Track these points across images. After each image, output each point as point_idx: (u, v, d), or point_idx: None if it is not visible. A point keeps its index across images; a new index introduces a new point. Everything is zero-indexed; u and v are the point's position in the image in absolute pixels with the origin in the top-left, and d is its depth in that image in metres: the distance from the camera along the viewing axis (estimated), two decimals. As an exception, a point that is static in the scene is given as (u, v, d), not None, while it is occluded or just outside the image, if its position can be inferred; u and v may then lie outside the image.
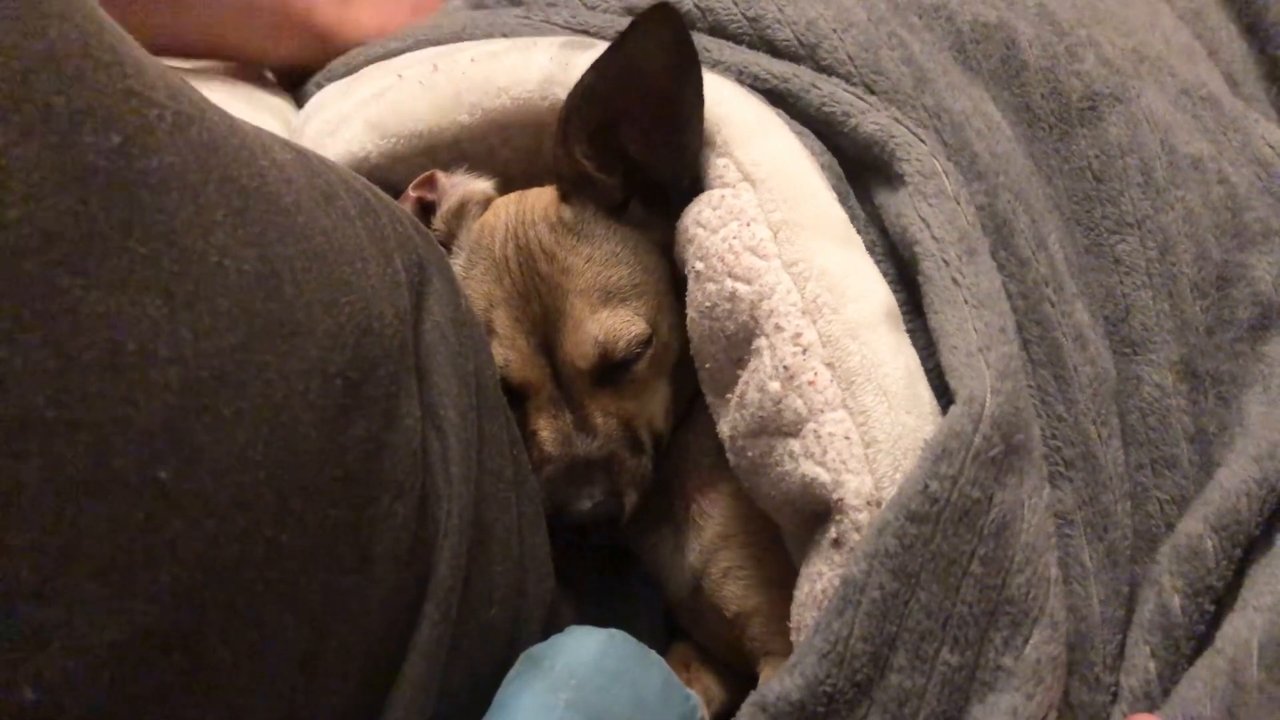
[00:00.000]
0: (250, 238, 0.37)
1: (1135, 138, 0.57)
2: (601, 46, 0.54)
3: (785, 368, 0.48)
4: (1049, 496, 0.46)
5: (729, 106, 0.55)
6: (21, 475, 0.30)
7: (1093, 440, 0.50)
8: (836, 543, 0.46)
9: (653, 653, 0.52)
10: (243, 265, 0.37)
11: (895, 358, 0.48)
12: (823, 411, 0.47)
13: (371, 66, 0.68)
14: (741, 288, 0.50)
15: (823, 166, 0.55)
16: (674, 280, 0.59)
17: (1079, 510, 0.49)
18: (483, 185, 0.62)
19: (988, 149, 0.55)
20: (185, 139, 0.36)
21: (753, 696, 0.44)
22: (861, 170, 0.56)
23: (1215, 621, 0.46)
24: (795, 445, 0.48)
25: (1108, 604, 0.47)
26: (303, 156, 0.46)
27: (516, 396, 0.57)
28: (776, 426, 0.49)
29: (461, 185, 0.62)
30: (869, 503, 0.45)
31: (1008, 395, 0.44)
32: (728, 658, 0.61)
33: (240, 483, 0.36)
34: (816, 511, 0.48)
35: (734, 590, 0.58)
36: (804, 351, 0.48)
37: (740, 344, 0.51)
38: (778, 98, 0.59)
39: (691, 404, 0.61)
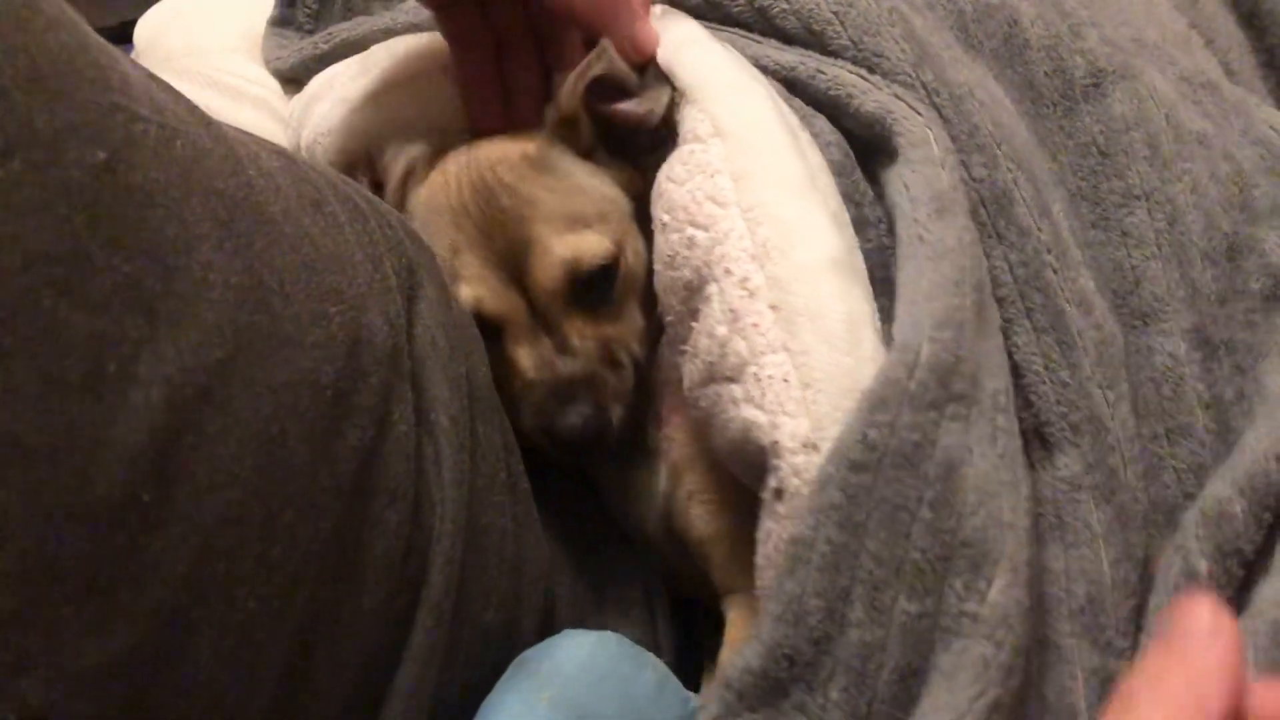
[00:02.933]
0: (237, 249, 0.37)
1: (1141, 112, 0.56)
2: None
3: (731, 310, 0.48)
4: (1005, 446, 0.44)
5: (715, 68, 0.56)
6: (2, 500, 0.29)
7: (1098, 404, 0.49)
8: (779, 493, 0.45)
9: (649, 654, 0.51)
10: (229, 278, 0.36)
11: (839, 302, 0.47)
12: (764, 354, 0.47)
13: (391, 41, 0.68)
14: (700, 234, 0.51)
15: (828, 144, 0.56)
16: (641, 219, 0.60)
17: (1086, 475, 0.47)
18: (419, 148, 0.63)
19: (990, 120, 0.55)
20: (170, 153, 0.35)
21: (716, 677, 0.42)
22: (871, 151, 0.56)
23: (1244, 586, 0.44)
24: (737, 390, 0.48)
25: (1118, 566, 0.46)
26: (291, 163, 0.46)
27: (493, 331, 0.57)
28: (721, 372, 0.49)
29: (402, 154, 0.63)
30: (805, 445, 0.45)
31: (945, 343, 0.43)
32: (704, 596, 0.60)
33: (227, 499, 0.35)
34: (760, 463, 0.47)
35: (698, 513, 0.57)
36: (750, 295, 0.48)
37: (696, 292, 0.51)
38: (788, 85, 0.59)
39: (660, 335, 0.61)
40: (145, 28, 0.92)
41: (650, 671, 0.50)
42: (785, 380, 0.46)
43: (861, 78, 0.57)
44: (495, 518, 0.50)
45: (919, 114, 0.54)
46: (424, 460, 0.45)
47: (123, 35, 0.92)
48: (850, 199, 0.54)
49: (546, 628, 0.54)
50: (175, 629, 0.34)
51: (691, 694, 0.53)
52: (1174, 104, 0.57)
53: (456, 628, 0.46)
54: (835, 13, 0.60)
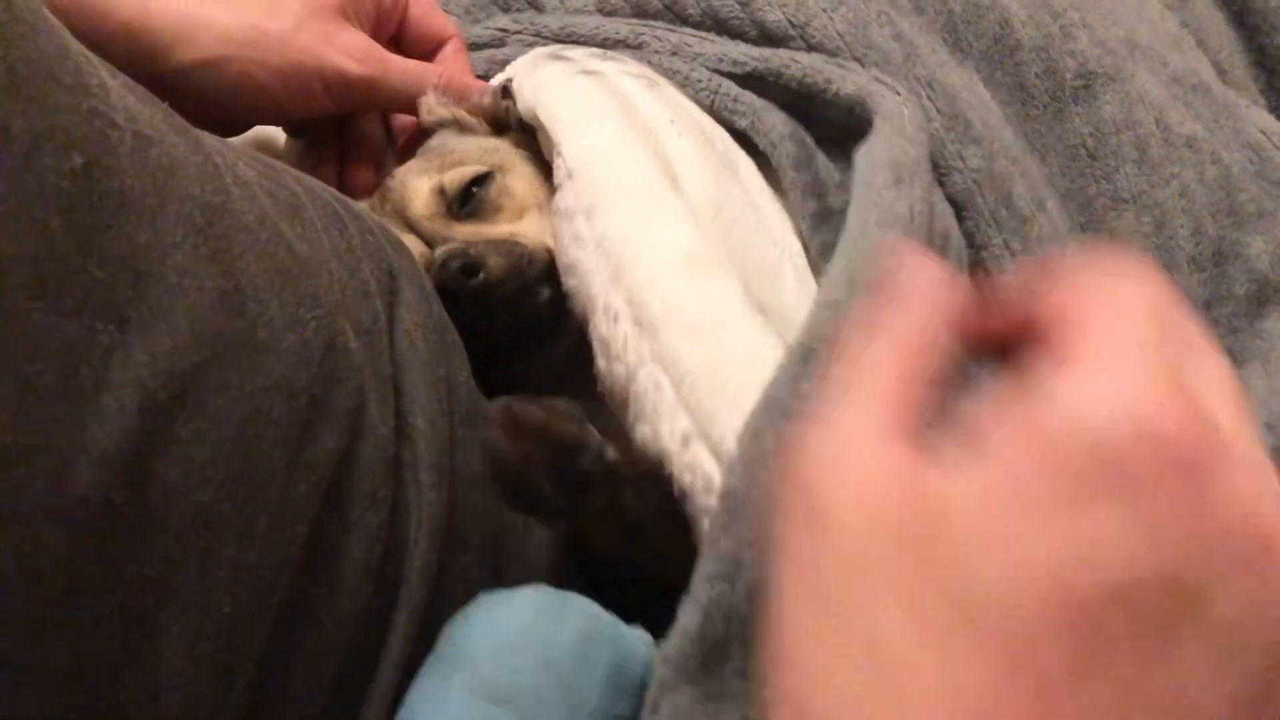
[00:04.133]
0: (212, 255, 0.37)
1: (1130, 115, 0.56)
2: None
3: (603, 341, 0.48)
4: None
5: (560, 106, 0.57)
6: None
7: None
8: (684, 494, 0.45)
9: (575, 602, 0.46)
10: (204, 284, 0.36)
11: (692, 296, 0.48)
12: (636, 370, 0.47)
13: None
14: (572, 281, 0.51)
15: (781, 138, 0.56)
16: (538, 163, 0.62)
17: None
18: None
19: (980, 119, 0.55)
20: (146, 160, 0.35)
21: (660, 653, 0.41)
22: (849, 138, 0.55)
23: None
24: (629, 413, 0.48)
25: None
26: (269, 169, 0.46)
27: None
28: (617, 403, 0.49)
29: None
30: (684, 438, 0.44)
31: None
32: None
33: (200, 503, 0.35)
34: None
35: None
36: (614, 320, 0.48)
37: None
38: (758, 78, 0.60)
39: None
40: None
41: (571, 624, 0.46)
42: (658, 387, 0.46)
43: (839, 65, 0.57)
44: (477, 522, 0.49)
45: (897, 93, 0.55)
46: (402, 465, 0.45)
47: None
48: (811, 192, 0.54)
49: None
50: (146, 630, 0.34)
51: (639, 629, 0.47)
52: (1164, 107, 0.58)
53: (435, 632, 0.45)
54: (824, 9, 0.60)
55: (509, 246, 0.57)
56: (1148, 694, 0.27)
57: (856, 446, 0.28)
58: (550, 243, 0.58)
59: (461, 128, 0.64)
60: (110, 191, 0.33)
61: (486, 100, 0.64)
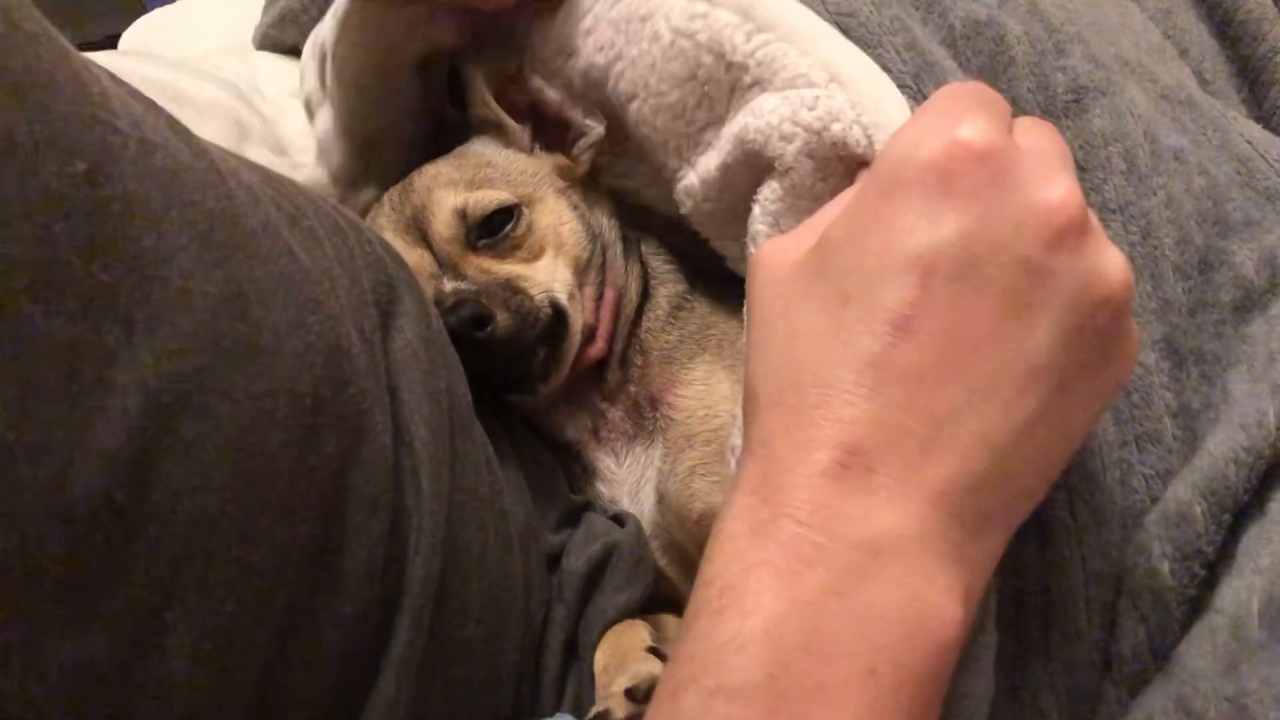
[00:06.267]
0: (216, 260, 0.38)
1: (1119, 128, 0.58)
2: None
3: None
4: None
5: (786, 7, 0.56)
6: None
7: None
8: None
9: None
10: (208, 288, 0.37)
11: None
12: None
13: None
14: None
15: None
16: (568, 197, 0.65)
17: (1065, 474, 0.49)
18: (371, 193, 0.69)
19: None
20: (149, 165, 0.36)
21: None
22: None
23: (1206, 586, 0.47)
24: None
25: (1090, 561, 0.49)
26: (269, 178, 0.47)
27: None
28: None
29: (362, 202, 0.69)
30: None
31: None
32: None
33: (204, 504, 0.36)
34: None
35: (700, 486, 0.60)
36: None
37: None
38: None
39: (640, 315, 0.66)
40: (131, 42, 0.93)
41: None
42: None
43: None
44: (475, 533, 0.50)
45: None
46: (401, 471, 0.46)
47: (109, 50, 0.92)
48: None
49: (536, 646, 0.55)
50: (151, 629, 0.35)
51: None
52: (1152, 120, 0.59)
53: (436, 640, 0.47)
54: (836, 22, 0.62)
55: (519, 302, 0.60)
56: (1008, 355, 0.36)
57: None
58: (559, 294, 0.62)
59: (504, 137, 0.66)
60: (114, 196, 0.34)
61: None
